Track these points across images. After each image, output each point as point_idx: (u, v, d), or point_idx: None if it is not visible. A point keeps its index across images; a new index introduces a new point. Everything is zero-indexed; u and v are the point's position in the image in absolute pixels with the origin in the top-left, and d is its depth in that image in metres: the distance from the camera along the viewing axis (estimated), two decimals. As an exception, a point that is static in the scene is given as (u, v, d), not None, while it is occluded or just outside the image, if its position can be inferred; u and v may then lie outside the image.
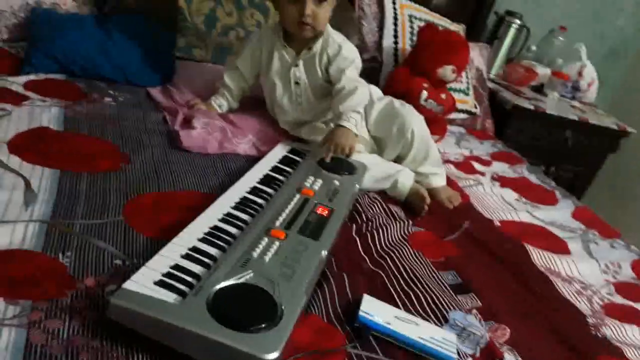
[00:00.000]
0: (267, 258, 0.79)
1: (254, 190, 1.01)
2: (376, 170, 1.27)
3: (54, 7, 1.54)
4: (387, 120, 1.36)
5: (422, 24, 1.97)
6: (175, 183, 1.05)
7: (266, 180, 1.07)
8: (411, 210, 1.24)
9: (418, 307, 0.90)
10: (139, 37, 1.51)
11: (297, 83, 1.33)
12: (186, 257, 0.77)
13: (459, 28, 2.17)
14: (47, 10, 1.50)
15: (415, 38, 1.93)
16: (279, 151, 1.22)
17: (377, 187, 1.27)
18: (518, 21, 2.43)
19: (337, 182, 1.10)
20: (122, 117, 1.25)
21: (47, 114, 1.14)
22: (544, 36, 2.59)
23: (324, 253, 0.85)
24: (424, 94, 1.69)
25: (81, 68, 1.39)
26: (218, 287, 0.70)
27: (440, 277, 1.01)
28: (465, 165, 1.65)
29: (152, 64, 1.49)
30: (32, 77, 1.31)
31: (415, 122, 1.35)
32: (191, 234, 0.82)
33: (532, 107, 2.21)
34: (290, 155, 1.21)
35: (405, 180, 1.27)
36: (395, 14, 2.01)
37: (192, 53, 1.69)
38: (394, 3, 2.03)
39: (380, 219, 1.14)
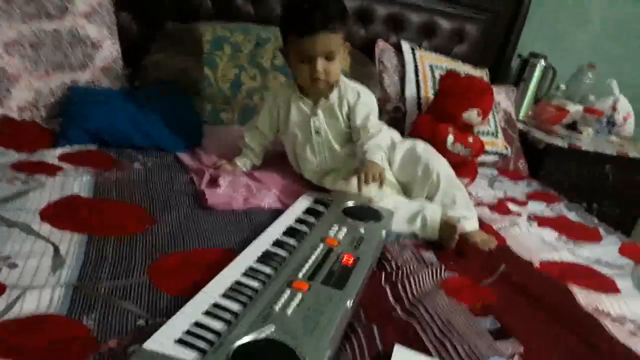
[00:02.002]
0: (289, 311, 0.76)
1: (277, 243, 1.00)
2: (403, 211, 1.26)
3: (89, 85, 1.64)
4: (411, 164, 1.37)
5: (444, 72, 1.98)
6: (200, 241, 1.05)
7: (289, 232, 1.06)
8: (443, 246, 1.22)
9: (454, 355, 0.84)
10: (168, 105, 1.57)
11: (317, 132, 1.35)
12: (207, 313, 0.76)
13: (482, 73, 2.18)
14: (81, 88, 1.59)
15: (437, 86, 1.94)
16: (303, 203, 1.21)
17: (409, 229, 1.25)
18: (543, 62, 2.43)
19: (362, 230, 1.08)
20: (150, 180, 1.28)
21: (78, 183, 1.19)
22: (573, 74, 2.57)
23: (349, 303, 0.82)
24: (450, 138, 1.68)
25: (113, 138, 1.45)
26: (238, 343, 0.68)
27: (477, 323, 0.95)
28: (499, 207, 1.60)
29: (180, 130, 1.54)
30: (66, 149, 1.37)
31: (440, 164, 1.34)
32: (213, 290, 0.81)
33: (566, 145, 2.15)
34: (314, 206, 1.20)
35: (433, 214, 1.25)
36: (416, 65, 2.05)
37: (219, 117, 1.74)
38: (413, 55, 2.07)
39: (411, 265, 1.11)
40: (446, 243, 1.22)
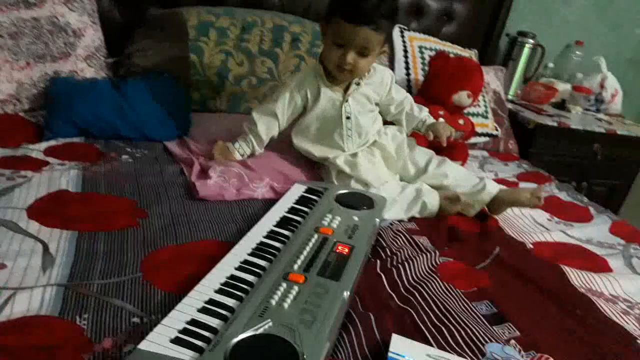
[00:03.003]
0: (286, 305, 0.76)
1: (271, 234, 0.99)
2: (402, 200, 1.28)
3: (72, 75, 1.60)
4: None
5: (433, 53, 1.97)
6: (193, 234, 1.03)
7: (283, 222, 1.05)
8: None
9: (452, 342, 0.85)
10: (154, 94, 1.54)
11: (348, 118, 1.34)
12: (203, 310, 0.75)
13: (471, 53, 2.16)
14: (64, 78, 1.55)
15: (427, 68, 1.92)
16: (295, 191, 1.20)
17: (407, 215, 1.28)
18: (531, 40, 2.41)
19: (356, 218, 1.07)
20: (140, 172, 1.26)
21: (65, 177, 1.16)
22: (560, 52, 2.56)
23: (346, 294, 0.82)
24: (441, 120, 1.67)
25: (99, 130, 1.42)
26: (236, 340, 0.68)
27: (473, 309, 0.95)
28: (491, 189, 1.60)
29: (167, 119, 1.52)
30: (52, 142, 1.34)
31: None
32: (207, 286, 0.80)
33: (555, 124, 2.15)
34: (307, 195, 1.19)
35: (433, 200, 1.29)
36: (405, 46, 2.02)
37: (207, 105, 1.72)
38: (402, 37, 2.04)
39: (406, 251, 1.10)
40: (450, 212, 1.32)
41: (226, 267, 0.86)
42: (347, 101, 1.34)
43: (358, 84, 1.34)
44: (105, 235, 0.97)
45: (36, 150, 1.28)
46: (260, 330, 0.70)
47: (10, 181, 1.11)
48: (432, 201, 1.29)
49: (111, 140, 1.41)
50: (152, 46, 1.69)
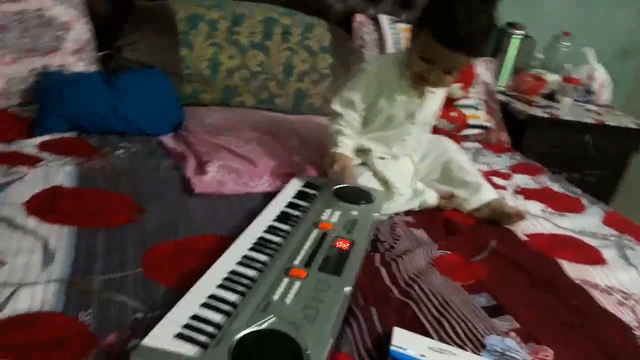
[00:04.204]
0: (288, 300, 0.76)
1: (271, 229, 0.99)
2: (401, 198, 1.29)
3: (61, 69, 1.57)
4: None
5: (424, 45, 1.96)
6: (192, 229, 1.03)
7: (282, 217, 1.04)
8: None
9: (452, 335, 0.86)
10: (146, 88, 1.53)
11: (413, 123, 1.33)
12: (205, 306, 0.75)
13: (462, 45, 2.16)
14: (54, 73, 1.53)
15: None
16: (294, 186, 1.20)
17: (405, 208, 1.29)
18: (520, 31, 2.42)
19: (355, 213, 1.07)
20: (135, 168, 1.25)
21: (60, 173, 1.15)
22: (549, 43, 2.57)
23: (348, 289, 0.82)
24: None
25: (92, 124, 1.40)
26: (239, 335, 0.68)
27: (472, 301, 0.97)
28: (485, 181, 1.61)
29: (160, 113, 1.51)
30: (45, 138, 1.32)
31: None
32: (209, 281, 0.80)
33: (546, 115, 2.17)
34: (306, 189, 1.19)
35: (431, 199, 1.31)
36: (397, 38, 2.02)
37: (199, 98, 1.70)
38: (393, 28, 2.04)
39: (404, 244, 1.11)
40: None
41: (227, 262, 0.86)
42: (422, 107, 1.31)
43: (433, 92, 1.31)
44: (104, 232, 0.97)
45: (30, 145, 1.26)
46: (264, 326, 0.70)
47: (4, 177, 1.09)
48: (431, 198, 1.31)
49: (105, 135, 1.40)
50: (142, 39, 1.67)
